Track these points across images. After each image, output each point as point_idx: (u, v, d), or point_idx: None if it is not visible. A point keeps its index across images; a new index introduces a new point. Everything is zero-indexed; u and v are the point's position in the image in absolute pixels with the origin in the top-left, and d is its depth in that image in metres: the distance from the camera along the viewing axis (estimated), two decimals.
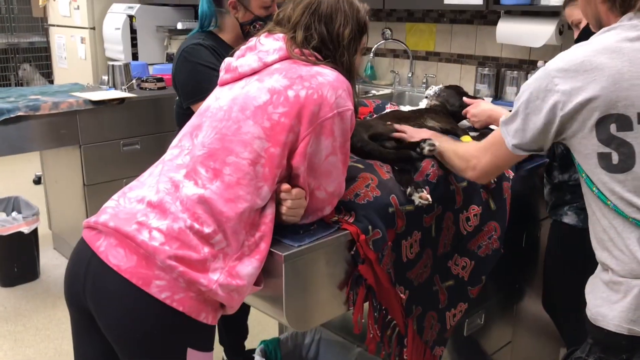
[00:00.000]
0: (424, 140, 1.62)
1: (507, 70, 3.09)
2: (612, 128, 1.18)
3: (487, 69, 3.15)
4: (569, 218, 1.87)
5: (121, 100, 3.18)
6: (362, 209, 1.47)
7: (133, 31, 4.57)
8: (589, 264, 1.37)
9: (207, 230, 1.26)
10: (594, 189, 1.25)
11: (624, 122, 1.17)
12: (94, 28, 4.77)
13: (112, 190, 3.38)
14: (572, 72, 1.21)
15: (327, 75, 1.38)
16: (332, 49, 1.44)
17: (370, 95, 3.53)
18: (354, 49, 1.48)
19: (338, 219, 1.46)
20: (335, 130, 1.36)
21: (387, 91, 3.57)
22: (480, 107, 2.01)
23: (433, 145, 1.59)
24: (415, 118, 1.96)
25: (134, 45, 4.60)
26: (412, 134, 1.73)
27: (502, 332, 2.14)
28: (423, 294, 1.65)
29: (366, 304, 1.51)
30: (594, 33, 1.31)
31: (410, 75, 3.57)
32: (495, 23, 3.02)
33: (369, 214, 1.46)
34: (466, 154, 1.49)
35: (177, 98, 2.02)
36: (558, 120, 1.23)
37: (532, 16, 2.85)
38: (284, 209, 1.36)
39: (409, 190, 1.52)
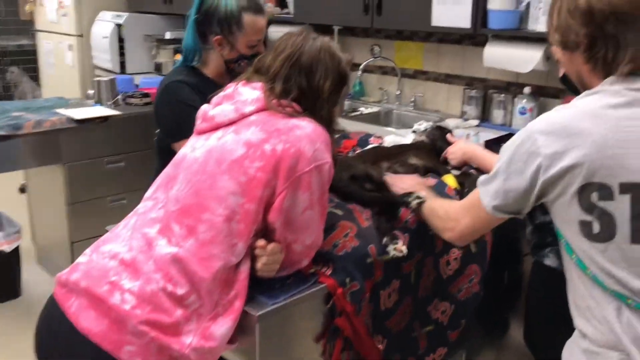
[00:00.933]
0: (410, 194, 1.60)
1: (494, 93, 3.08)
2: (594, 197, 1.16)
3: (474, 90, 3.13)
4: (551, 260, 1.86)
5: (105, 119, 3.15)
6: (340, 261, 1.45)
7: (121, 40, 4.52)
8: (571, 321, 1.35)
9: (180, 291, 1.25)
10: (573, 256, 1.23)
11: (606, 192, 1.15)
12: (81, 35, 4.72)
13: (96, 208, 3.35)
14: (555, 136, 1.19)
15: (304, 128, 1.36)
16: (312, 100, 1.42)
17: (359, 113, 3.51)
18: (333, 100, 1.46)
19: (315, 271, 1.45)
20: (313, 184, 1.35)
21: (375, 109, 3.55)
22: (458, 146, 2.05)
23: (421, 198, 1.57)
24: (398, 155, 1.95)
25: (122, 54, 4.55)
26: (396, 182, 1.71)
27: None
28: (402, 341, 1.64)
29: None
30: None
31: (398, 93, 3.56)
32: (483, 44, 3.01)
33: (347, 266, 1.45)
34: (445, 214, 1.47)
35: (158, 131, 2.00)
36: (540, 184, 1.21)
37: (519, 41, 2.84)
38: (259, 265, 1.34)
39: (384, 240, 1.51)
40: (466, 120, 3.12)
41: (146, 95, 3.45)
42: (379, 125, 3.28)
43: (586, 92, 1.25)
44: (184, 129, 1.81)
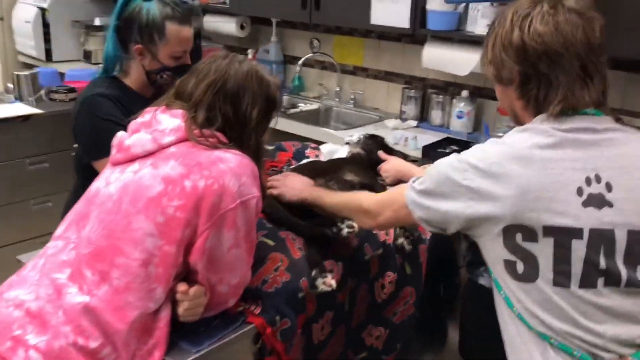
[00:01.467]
0: (343, 221, 1.54)
1: (432, 94, 3.05)
2: (518, 238, 1.15)
3: (412, 91, 3.10)
4: (485, 280, 1.85)
5: (26, 117, 2.94)
6: (269, 298, 1.38)
7: (46, 25, 4.24)
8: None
9: (93, 344, 1.15)
10: (502, 292, 1.22)
11: (530, 234, 1.14)
12: (2, 18, 4.41)
13: (18, 211, 3.15)
14: (483, 173, 1.17)
15: (229, 161, 1.27)
16: (238, 130, 1.33)
17: (298, 109, 3.43)
18: (262, 128, 1.38)
19: (243, 310, 1.37)
20: (239, 222, 1.26)
21: (314, 106, 3.47)
22: (391, 163, 2.00)
23: (352, 227, 1.52)
24: (334, 171, 1.88)
25: (47, 40, 4.27)
26: (282, 188, 1.65)
27: None
28: None
29: None
30: None
31: (338, 89, 3.48)
32: (423, 42, 2.97)
33: (276, 303, 1.38)
34: (358, 206, 1.43)
35: (76, 145, 1.86)
36: (465, 218, 1.20)
37: (458, 42, 2.81)
38: (181, 310, 1.26)
39: (313, 273, 1.45)
40: (405, 120, 3.08)
41: (72, 90, 3.24)
42: (318, 125, 3.21)
43: (517, 128, 1.24)
44: (105, 147, 1.68)
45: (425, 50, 2.89)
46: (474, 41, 2.71)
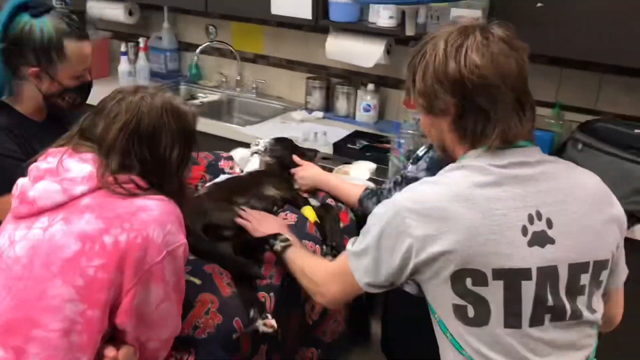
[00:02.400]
0: (275, 236, 1.48)
1: (337, 84, 3.02)
2: (468, 282, 1.13)
3: (317, 81, 3.05)
4: (410, 288, 1.88)
5: None
6: (203, 345, 1.32)
7: None
8: (426, 324, 1.33)
9: None
10: (448, 334, 1.20)
11: (480, 277, 1.13)
12: None
13: None
14: (425, 217, 1.14)
15: (151, 209, 1.17)
16: (158, 174, 1.22)
17: (198, 101, 3.27)
18: (184, 167, 1.27)
19: None
20: (167, 274, 1.18)
21: (215, 97, 3.33)
22: (307, 172, 1.97)
23: (286, 240, 1.46)
24: (255, 186, 1.81)
25: None
26: (256, 225, 1.58)
27: None
28: None
29: None
30: None
31: (238, 78, 3.36)
32: (325, 31, 2.91)
33: (211, 349, 1.32)
34: (314, 277, 1.38)
35: None
36: (412, 265, 1.17)
37: (361, 34, 2.78)
38: None
39: (252, 314, 1.39)
40: (311, 112, 3.04)
41: None
42: (222, 119, 3.10)
43: (451, 166, 1.22)
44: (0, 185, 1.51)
45: (329, 42, 2.84)
46: (377, 33, 2.71)
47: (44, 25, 1.53)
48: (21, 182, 1.21)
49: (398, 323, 2.03)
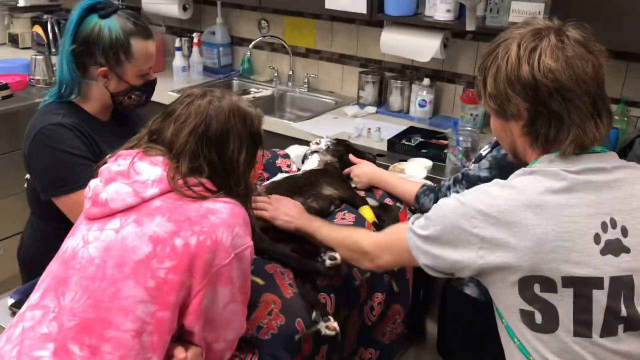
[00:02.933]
0: (325, 252, 1.47)
1: (391, 79, 2.98)
2: (536, 288, 1.11)
3: (370, 76, 3.02)
4: (471, 290, 1.85)
5: None
6: (266, 346, 1.32)
7: None
8: (489, 336, 1.32)
9: None
10: (516, 340, 1.18)
11: (548, 285, 1.10)
12: None
13: None
14: (493, 220, 1.11)
15: (219, 212, 1.18)
16: (226, 177, 1.23)
17: (251, 96, 3.29)
18: (250, 170, 1.28)
19: None
20: (234, 275, 1.19)
21: (267, 92, 3.34)
22: (363, 169, 1.96)
23: (335, 258, 1.45)
24: (311, 186, 1.80)
25: None
26: (273, 213, 1.58)
27: None
28: None
29: None
30: None
31: (290, 73, 3.36)
32: (378, 25, 2.88)
33: (274, 350, 1.33)
34: (356, 246, 1.37)
35: (28, 176, 1.69)
36: (476, 268, 1.15)
37: (417, 27, 2.74)
38: None
39: (314, 316, 1.39)
40: (363, 107, 3.02)
41: (4, 87, 2.97)
42: (273, 114, 3.11)
43: (524, 170, 1.18)
44: (68, 183, 1.56)
45: (383, 37, 2.80)
46: (433, 27, 2.66)
47: (112, 25, 1.56)
48: (93, 183, 1.24)
49: (456, 325, 2.00)
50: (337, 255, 1.45)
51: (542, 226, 1.09)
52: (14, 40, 3.92)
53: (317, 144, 2.05)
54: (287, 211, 1.58)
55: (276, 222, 1.57)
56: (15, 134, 2.85)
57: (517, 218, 1.10)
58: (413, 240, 1.23)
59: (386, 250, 1.31)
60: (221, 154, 1.22)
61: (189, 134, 1.20)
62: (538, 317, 1.12)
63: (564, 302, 1.10)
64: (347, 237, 1.43)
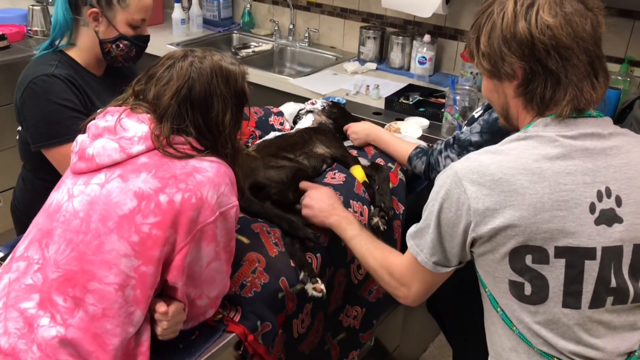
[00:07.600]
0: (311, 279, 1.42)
1: (392, 34, 2.92)
2: (528, 259, 1.09)
3: (371, 31, 2.96)
4: None
5: None
6: (249, 304, 1.34)
7: None
8: (478, 294, 1.29)
9: None
10: (499, 310, 1.17)
11: (541, 255, 1.08)
12: None
13: None
14: (487, 189, 1.08)
15: (206, 170, 1.18)
16: (212, 138, 1.23)
17: (250, 50, 3.24)
18: (236, 129, 1.27)
19: (222, 318, 1.33)
20: (218, 234, 1.19)
21: (267, 46, 3.29)
22: (361, 126, 1.95)
23: (322, 291, 1.41)
24: (304, 144, 1.79)
25: None
26: (312, 206, 1.52)
27: (390, 341, 2.18)
28: (315, 358, 1.59)
29: None
30: None
31: (291, 27, 3.30)
32: None
33: (257, 308, 1.34)
34: (389, 276, 1.32)
35: (20, 129, 1.69)
36: (470, 239, 1.13)
37: None
38: (159, 330, 1.20)
39: (301, 276, 1.40)
40: (364, 63, 2.97)
41: (1, 37, 2.94)
42: (273, 70, 3.07)
43: (518, 135, 1.14)
44: (58, 135, 1.56)
45: None
46: None
47: None
48: (80, 138, 1.24)
49: (446, 284, 2.02)
50: (323, 288, 1.42)
51: (538, 194, 1.06)
52: None
53: (313, 104, 2.03)
54: (320, 207, 1.51)
55: (314, 220, 1.52)
56: (12, 86, 2.78)
57: (512, 186, 1.07)
58: (413, 242, 1.22)
59: (412, 276, 1.26)
60: (205, 116, 1.21)
61: (172, 97, 1.19)
62: (528, 289, 1.10)
63: (555, 273, 1.08)
64: (380, 264, 1.35)
